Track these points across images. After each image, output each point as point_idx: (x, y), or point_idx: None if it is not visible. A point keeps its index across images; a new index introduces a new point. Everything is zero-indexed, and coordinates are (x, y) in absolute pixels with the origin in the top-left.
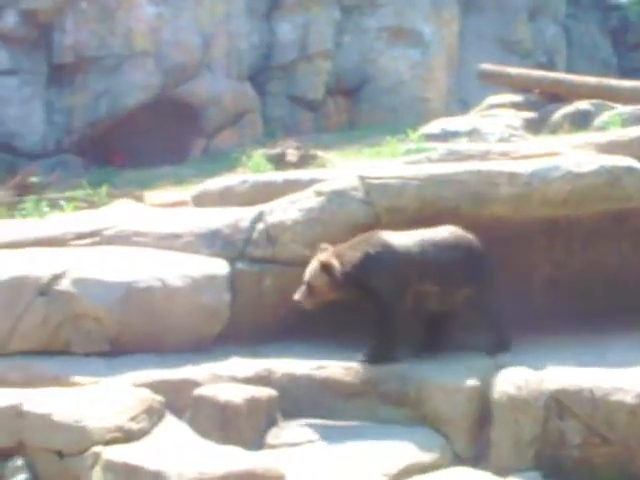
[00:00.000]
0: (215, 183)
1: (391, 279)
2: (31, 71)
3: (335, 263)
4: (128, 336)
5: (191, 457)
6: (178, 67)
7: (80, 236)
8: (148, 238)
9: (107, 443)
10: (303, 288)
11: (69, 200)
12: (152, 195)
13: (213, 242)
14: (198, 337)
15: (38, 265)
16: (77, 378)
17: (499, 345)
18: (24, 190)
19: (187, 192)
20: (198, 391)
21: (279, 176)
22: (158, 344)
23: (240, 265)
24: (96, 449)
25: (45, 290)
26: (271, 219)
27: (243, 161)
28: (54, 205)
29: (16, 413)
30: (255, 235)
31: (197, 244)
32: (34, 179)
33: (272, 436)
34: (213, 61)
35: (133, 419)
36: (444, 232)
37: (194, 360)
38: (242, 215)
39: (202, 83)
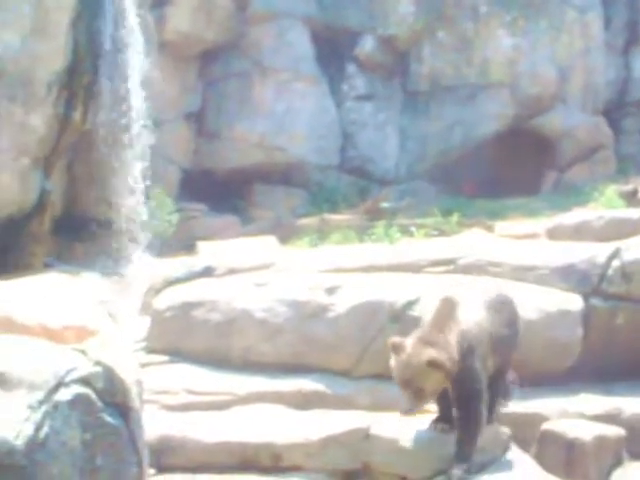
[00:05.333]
0: (571, 217)
1: (479, 360)
2: (386, 97)
3: (441, 356)
4: None
5: None
6: (533, 99)
7: (435, 263)
8: (502, 269)
9: None
10: (409, 395)
11: (420, 227)
12: (503, 226)
13: (568, 276)
14: (548, 371)
15: (393, 290)
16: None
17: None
18: (375, 215)
19: (538, 225)
20: (546, 425)
21: (635, 213)
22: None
23: (594, 301)
24: (440, 478)
25: (398, 316)
26: (627, 256)
27: (595, 196)
28: (404, 231)
29: (363, 436)
30: (610, 271)
31: (551, 277)
32: (385, 204)
33: (617, 476)
34: (568, 95)
35: (479, 450)
36: (497, 297)
37: (542, 393)
38: (598, 251)
39: (557, 116)
